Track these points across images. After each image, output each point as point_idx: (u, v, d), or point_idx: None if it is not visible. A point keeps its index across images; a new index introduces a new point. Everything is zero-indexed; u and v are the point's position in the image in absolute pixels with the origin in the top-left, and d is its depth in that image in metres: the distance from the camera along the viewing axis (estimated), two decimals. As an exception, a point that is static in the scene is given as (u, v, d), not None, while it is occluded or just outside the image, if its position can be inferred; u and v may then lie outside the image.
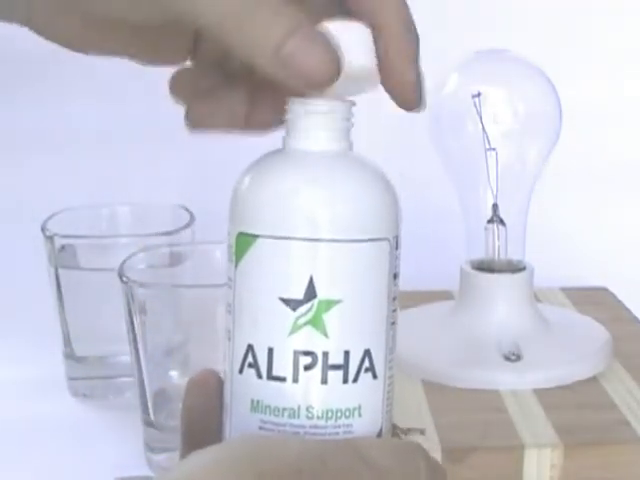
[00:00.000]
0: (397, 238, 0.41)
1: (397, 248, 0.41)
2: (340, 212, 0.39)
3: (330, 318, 0.39)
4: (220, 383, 0.42)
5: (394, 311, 0.41)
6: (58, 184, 0.98)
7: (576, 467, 0.61)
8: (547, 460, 0.61)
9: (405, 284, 0.87)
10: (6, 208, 1.00)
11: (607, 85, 0.98)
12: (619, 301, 0.88)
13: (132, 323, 0.65)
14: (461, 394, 0.68)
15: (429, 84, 0.72)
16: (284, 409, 0.39)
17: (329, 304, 0.39)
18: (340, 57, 0.38)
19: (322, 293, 0.39)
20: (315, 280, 0.38)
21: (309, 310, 0.39)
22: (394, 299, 0.41)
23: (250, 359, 0.40)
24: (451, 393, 0.68)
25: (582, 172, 0.99)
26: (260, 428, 0.39)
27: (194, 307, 0.64)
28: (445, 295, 0.84)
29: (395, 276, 0.41)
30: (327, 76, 0.38)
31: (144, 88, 0.98)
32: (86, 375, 0.78)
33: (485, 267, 0.75)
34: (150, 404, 0.67)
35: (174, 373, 0.67)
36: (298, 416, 0.39)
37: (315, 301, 0.39)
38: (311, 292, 0.39)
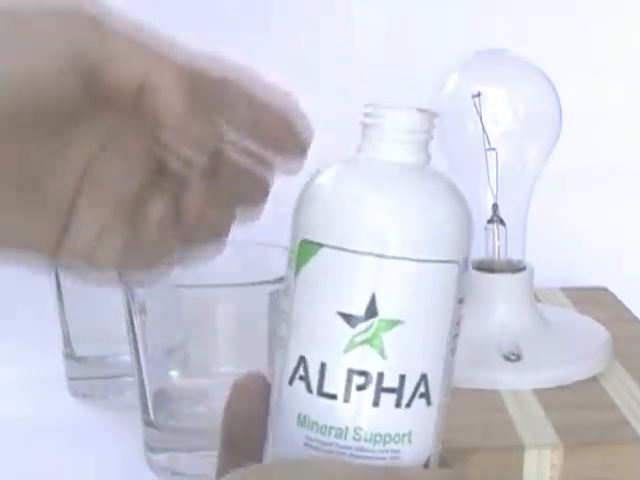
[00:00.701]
0: (467, 260, 0.40)
1: (465, 270, 0.40)
2: (410, 228, 0.37)
3: (389, 339, 0.37)
4: (267, 389, 0.40)
5: (456, 337, 0.39)
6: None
7: (576, 467, 0.61)
8: (547, 460, 0.61)
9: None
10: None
11: (607, 85, 0.98)
12: (619, 301, 0.88)
13: (132, 323, 0.65)
14: (461, 394, 0.68)
15: (429, 84, 0.72)
16: (332, 428, 0.38)
17: (390, 324, 0.37)
18: None
19: (384, 312, 0.37)
20: (377, 298, 0.37)
21: (368, 328, 0.37)
22: (457, 324, 0.40)
23: (302, 372, 0.38)
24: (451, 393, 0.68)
25: (582, 172, 0.99)
26: (305, 444, 0.38)
27: (194, 307, 0.64)
28: (445, 295, 0.84)
29: (461, 301, 0.40)
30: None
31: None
32: (86, 375, 0.78)
33: (485, 267, 0.75)
34: (150, 404, 0.67)
35: (174, 373, 0.67)
36: (345, 437, 0.37)
37: (375, 319, 0.37)
38: (372, 310, 0.37)
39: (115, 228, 0.44)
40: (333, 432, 0.38)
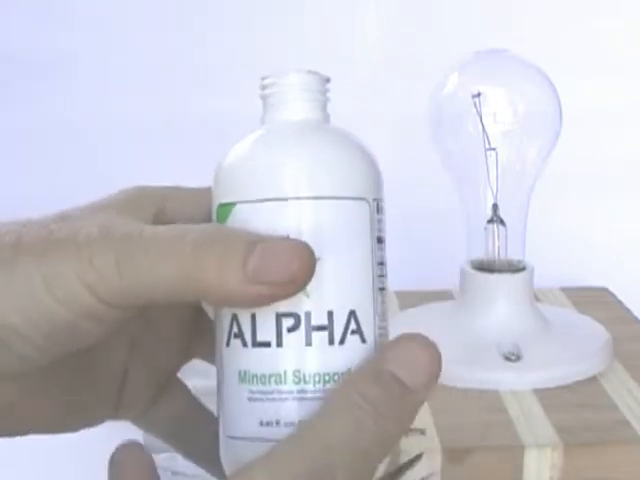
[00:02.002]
0: (378, 201, 0.40)
1: (379, 212, 0.40)
2: (313, 170, 0.39)
3: None
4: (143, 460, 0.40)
5: (381, 276, 0.40)
6: (64, 182, 0.98)
7: (576, 467, 0.61)
8: (547, 460, 0.61)
9: (405, 284, 0.88)
10: (10, 205, 0.99)
11: (607, 85, 0.98)
12: (619, 301, 0.88)
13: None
14: (461, 394, 0.68)
15: (429, 84, 0.72)
16: (271, 375, 0.38)
17: None
18: (307, 246, 0.36)
19: None
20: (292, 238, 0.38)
21: None
22: (380, 264, 0.40)
23: (235, 329, 0.39)
24: (451, 393, 0.68)
25: (582, 172, 0.99)
26: (249, 399, 0.38)
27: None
28: (445, 295, 0.84)
29: (379, 240, 0.40)
30: (304, 270, 0.36)
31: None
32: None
33: (485, 267, 0.75)
34: (150, 404, 0.66)
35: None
36: (285, 381, 0.38)
37: None
38: None
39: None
40: (273, 379, 0.38)
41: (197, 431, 0.46)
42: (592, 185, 1.00)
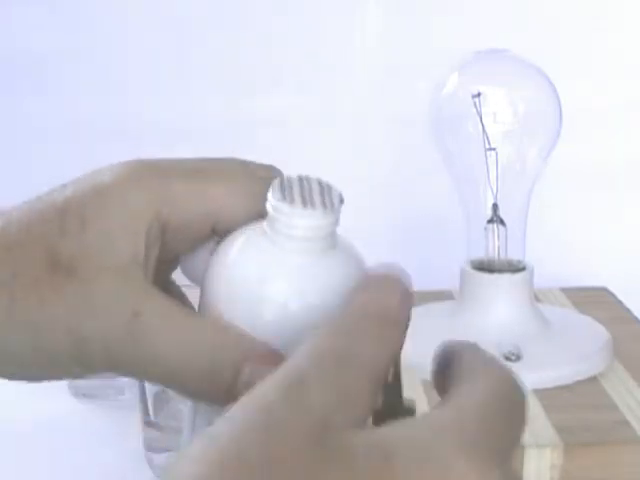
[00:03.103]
0: None
1: None
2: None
3: None
4: None
5: None
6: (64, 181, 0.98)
7: (576, 467, 0.61)
8: (547, 460, 0.61)
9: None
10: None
11: (607, 85, 0.98)
12: (619, 301, 0.88)
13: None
14: (461, 394, 0.68)
15: (429, 84, 0.72)
16: None
17: None
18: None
19: None
20: None
21: None
22: None
23: None
24: (451, 393, 0.68)
25: (582, 172, 0.99)
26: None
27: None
28: (445, 295, 0.84)
29: None
30: None
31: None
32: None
33: (485, 267, 0.75)
34: (150, 404, 0.67)
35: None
36: None
37: None
38: None
39: None
40: None
41: None
42: (592, 185, 1.00)
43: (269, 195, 0.39)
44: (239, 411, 0.31)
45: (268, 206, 0.39)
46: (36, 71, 1.00)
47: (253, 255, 0.39)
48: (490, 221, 0.75)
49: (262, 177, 0.42)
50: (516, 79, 0.76)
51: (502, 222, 0.75)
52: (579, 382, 0.70)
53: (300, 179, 0.40)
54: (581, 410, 0.66)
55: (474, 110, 0.73)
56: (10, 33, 0.99)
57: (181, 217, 0.41)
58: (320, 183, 0.40)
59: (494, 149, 0.73)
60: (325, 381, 0.32)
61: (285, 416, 0.30)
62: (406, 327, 0.35)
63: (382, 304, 0.35)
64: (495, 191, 0.74)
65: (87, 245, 0.40)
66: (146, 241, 0.41)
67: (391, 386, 0.36)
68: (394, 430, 0.32)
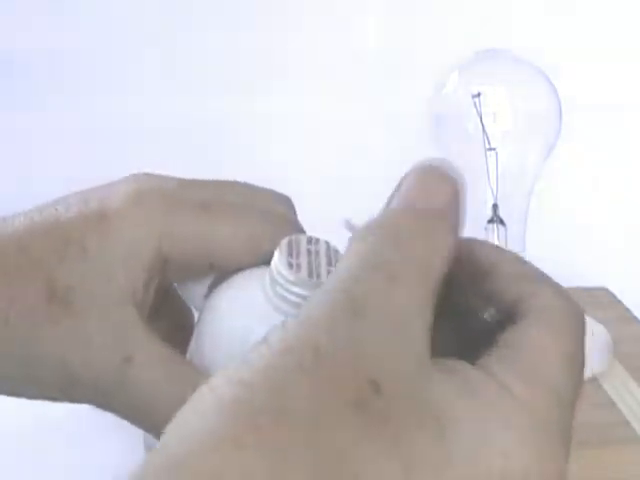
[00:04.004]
0: None
1: None
2: None
3: None
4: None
5: None
6: (64, 181, 0.98)
7: (576, 467, 0.61)
8: (547, 460, 0.61)
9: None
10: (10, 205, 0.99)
11: (607, 85, 0.98)
12: (619, 301, 0.88)
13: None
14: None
15: (429, 84, 0.72)
16: None
17: None
18: None
19: None
20: None
21: None
22: None
23: None
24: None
25: (582, 172, 0.99)
26: None
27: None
28: (445, 295, 0.84)
29: None
30: None
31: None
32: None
33: (485, 267, 0.74)
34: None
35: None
36: None
37: None
38: None
39: None
40: None
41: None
42: (592, 185, 1.00)
43: (275, 256, 0.38)
44: (273, 358, 0.28)
45: (273, 266, 0.38)
46: (37, 71, 1.00)
47: (245, 309, 0.39)
48: (490, 221, 0.75)
49: (269, 213, 0.41)
50: (516, 79, 0.76)
51: (502, 222, 0.75)
52: (579, 382, 0.70)
53: (309, 242, 0.39)
54: (581, 410, 0.66)
55: (474, 110, 0.73)
56: (10, 33, 0.99)
57: (182, 255, 0.41)
58: (328, 249, 0.39)
59: (494, 149, 0.73)
60: (375, 298, 0.29)
61: (333, 364, 0.27)
62: (457, 228, 0.33)
63: (428, 199, 0.33)
64: (495, 191, 0.74)
65: (86, 275, 0.40)
66: (145, 277, 0.40)
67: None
68: (452, 396, 0.28)
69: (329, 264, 0.38)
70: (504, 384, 0.30)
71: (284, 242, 0.38)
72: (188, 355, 0.41)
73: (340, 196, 0.98)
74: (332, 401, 0.27)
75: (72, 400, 0.41)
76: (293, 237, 0.39)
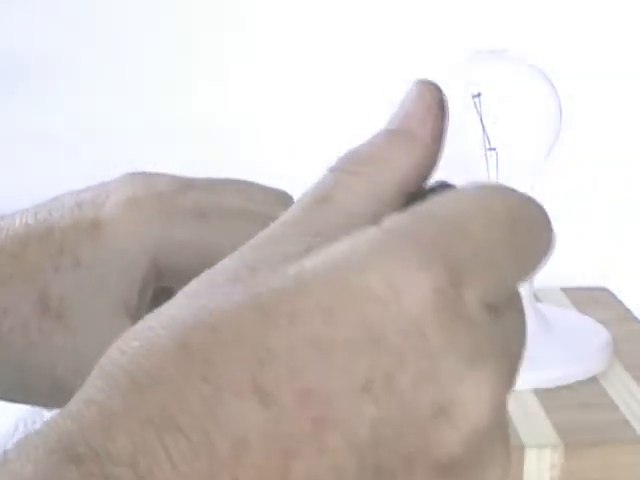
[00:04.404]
0: None
1: None
2: None
3: None
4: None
5: None
6: (65, 181, 0.98)
7: (576, 467, 0.61)
8: (547, 460, 0.61)
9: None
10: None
11: (607, 85, 0.98)
12: (619, 301, 0.88)
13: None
14: (461, 394, 0.68)
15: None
16: None
17: None
18: None
19: None
20: None
21: None
22: None
23: None
24: (451, 393, 0.68)
25: (581, 172, 0.99)
26: None
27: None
28: (445, 295, 0.84)
29: None
30: None
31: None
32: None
33: (485, 267, 0.74)
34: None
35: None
36: None
37: None
38: None
39: None
40: None
41: None
42: (592, 185, 1.00)
43: None
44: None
45: None
46: (37, 72, 1.00)
47: None
48: (490, 221, 0.75)
49: (267, 217, 0.40)
50: (516, 79, 0.76)
51: (502, 222, 0.75)
52: (579, 382, 0.70)
53: None
54: (581, 410, 0.66)
55: (474, 110, 0.73)
56: (10, 33, 0.99)
57: (177, 265, 0.40)
58: None
59: (494, 149, 0.73)
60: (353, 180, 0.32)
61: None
62: (436, 144, 0.36)
63: (410, 120, 0.35)
64: (495, 191, 0.74)
65: (79, 286, 0.39)
66: (139, 288, 0.40)
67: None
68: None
69: None
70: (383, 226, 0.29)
71: None
72: None
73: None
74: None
75: (62, 407, 0.41)
76: None
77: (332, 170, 0.33)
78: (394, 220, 0.29)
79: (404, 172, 0.34)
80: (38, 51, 0.98)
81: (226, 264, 0.29)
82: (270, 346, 0.26)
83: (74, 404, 0.27)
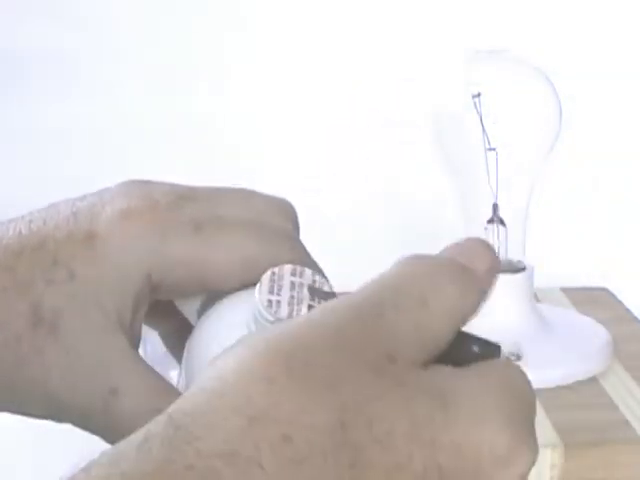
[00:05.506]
0: None
1: None
2: None
3: None
4: None
5: None
6: (64, 181, 0.98)
7: (576, 467, 0.61)
8: (547, 460, 0.61)
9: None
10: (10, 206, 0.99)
11: (607, 85, 0.98)
12: (619, 301, 0.88)
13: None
14: (461, 394, 0.68)
15: (429, 84, 0.72)
16: None
17: None
18: None
19: None
20: None
21: None
22: None
23: None
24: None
25: (581, 172, 0.99)
26: None
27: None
28: (445, 295, 0.84)
29: None
30: None
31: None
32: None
33: (485, 267, 0.74)
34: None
35: (174, 373, 0.67)
36: None
37: None
38: None
39: None
40: None
41: None
42: (592, 185, 1.00)
43: (257, 291, 0.37)
44: (307, 325, 0.31)
45: (254, 302, 0.37)
46: (37, 72, 1.00)
47: (228, 341, 0.36)
48: (490, 221, 0.75)
49: (266, 229, 0.40)
50: (516, 79, 0.76)
51: (502, 222, 0.75)
52: (579, 382, 0.70)
53: (293, 273, 0.38)
54: (581, 410, 0.66)
55: (474, 110, 0.73)
56: (10, 33, 0.99)
57: (173, 280, 0.40)
58: (313, 282, 0.38)
59: (494, 149, 0.73)
60: (404, 315, 0.32)
61: (356, 339, 0.31)
62: (486, 295, 0.37)
63: (471, 261, 0.35)
64: (495, 191, 0.74)
65: (73, 301, 0.39)
66: (134, 303, 0.39)
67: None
68: (456, 379, 0.33)
69: (312, 299, 0.37)
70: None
71: (266, 276, 0.37)
72: (182, 364, 0.41)
73: (340, 195, 0.98)
74: (354, 363, 0.31)
75: (55, 421, 0.41)
76: (277, 269, 0.38)
77: None
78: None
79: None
80: (38, 51, 0.98)
81: None
82: None
83: None
